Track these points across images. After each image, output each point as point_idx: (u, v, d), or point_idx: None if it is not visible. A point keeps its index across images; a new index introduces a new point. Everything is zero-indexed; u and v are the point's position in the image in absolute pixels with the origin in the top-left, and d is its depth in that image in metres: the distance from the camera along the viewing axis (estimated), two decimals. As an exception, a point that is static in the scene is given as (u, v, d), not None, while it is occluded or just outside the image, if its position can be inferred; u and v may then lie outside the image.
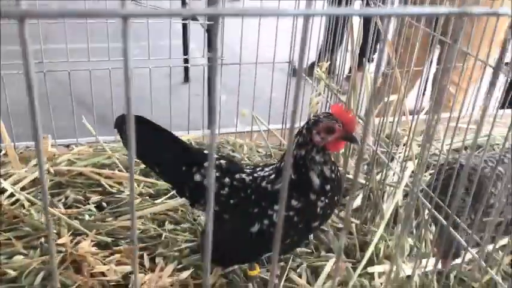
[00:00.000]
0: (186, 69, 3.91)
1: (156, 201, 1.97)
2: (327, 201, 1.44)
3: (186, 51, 3.64)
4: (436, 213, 1.49)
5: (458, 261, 1.57)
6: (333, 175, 1.43)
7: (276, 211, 1.42)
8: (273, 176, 1.48)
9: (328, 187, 1.42)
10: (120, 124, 1.57)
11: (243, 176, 1.52)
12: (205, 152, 1.59)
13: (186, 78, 4.00)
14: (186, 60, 3.19)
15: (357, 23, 1.91)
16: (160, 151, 1.55)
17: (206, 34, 2.76)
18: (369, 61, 1.90)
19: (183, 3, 3.88)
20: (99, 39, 2.25)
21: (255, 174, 1.52)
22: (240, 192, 1.48)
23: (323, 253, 1.81)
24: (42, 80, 2.20)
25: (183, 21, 3.09)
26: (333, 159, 1.47)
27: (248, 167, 1.60)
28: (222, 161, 1.55)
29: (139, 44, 2.38)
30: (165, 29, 2.39)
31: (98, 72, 2.32)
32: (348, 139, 1.41)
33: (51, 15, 0.42)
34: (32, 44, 0.45)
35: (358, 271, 1.62)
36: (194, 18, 3.38)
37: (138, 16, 0.47)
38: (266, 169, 1.53)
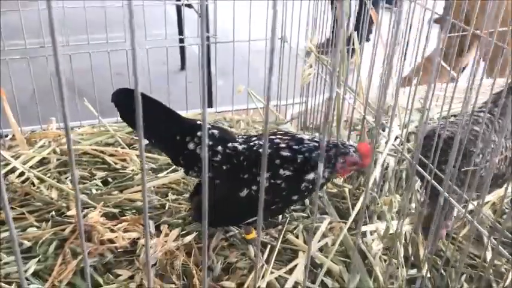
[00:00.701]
0: (183, 57, 3.88)
1: (158, 175, 2.08)
2: (309, 188, 1.58)
3: (181, 32, 3.65)
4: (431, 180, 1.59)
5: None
6: (322, 187, 1.64)
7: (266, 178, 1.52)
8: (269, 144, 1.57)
9: (313, 186, 1.58)
10: (117, 97, 1.63)
11: (235, 144, 1.61)
12: (198, 122, 1.65)
13: (183, 66, 3.98)
14: (181, 40, 3.23)
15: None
16: (156, 122, 1.61)
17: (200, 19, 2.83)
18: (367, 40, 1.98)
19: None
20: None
21: (251, 143, 1.61)
22: (233, 159, 1.57)
23: (318, 216, 1.91)
24: (45, 65, 2.29)
25: (176, 2, 3.14)
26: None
27: (240, 136, 1.68)
28: (215, 131, 1.63)
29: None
30: (159, 18, 2.47)
31: (95, 59, 2.41)
32: (360, 172, 1.56)
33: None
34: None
35: (347, 227, 1.73)
36: (189, 5, 3.44)
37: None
38: (261, 140, 1.62)
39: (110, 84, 2.36)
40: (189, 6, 3.42)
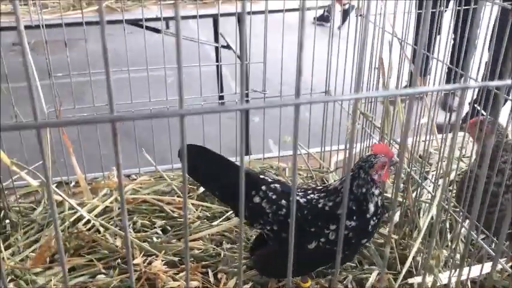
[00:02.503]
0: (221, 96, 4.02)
1: (212, 223, 2.21)
2: (376, 222, 1.69)
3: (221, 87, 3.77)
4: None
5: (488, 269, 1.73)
6: (382, 202, 1.71)
7: (331, 230, 1.66)
8: (328, 198, 1.70)
9: (379, 211, 1.69)
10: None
11: (297, 198, 1.72)
12: (261, 176, 1.78)
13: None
14: (221, 97, 3.40)
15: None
16: (220, 176, 1.74)
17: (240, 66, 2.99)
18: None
19: (216, 33, 3.98)
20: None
21: (308, 197, 1.73)
22: (297, 213, 1.69)
23: (366, 266, 2.00)
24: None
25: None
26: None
27: (298, 190, 1.80)
28: (277, 185, 1.74)
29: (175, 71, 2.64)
30: (195, 57, 2.62)
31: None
32: (393, 164, 1.71)
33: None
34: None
35: (399, 281, 1.81)
36: (228, 46, 3.62)
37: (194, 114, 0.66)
38: (316, 193, 1.75)
39: (167, 131, 2.55)
40: (228, 47, 3.61)
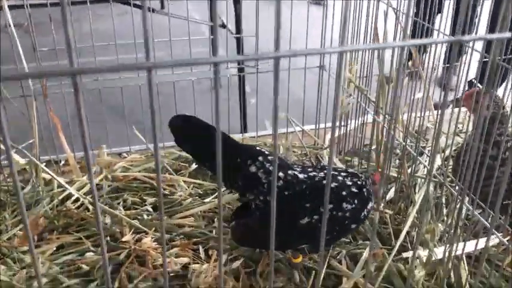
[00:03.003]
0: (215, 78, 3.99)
1: (204, 201, 2.17)
2: (367, 214, 1.72)
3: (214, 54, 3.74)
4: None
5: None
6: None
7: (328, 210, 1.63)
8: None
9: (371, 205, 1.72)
10: (175, 124, 1.72)
11: (296, 172, 1.69)
12: (258, 148, 1.75)
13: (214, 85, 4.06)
14: (215, 64, 3.35)
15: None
16: (210, 146, 1.69)
17: (236, 41, 2.93)
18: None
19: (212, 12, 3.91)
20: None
21: (310, 174, 1.70)
22: (295, 187, 1.65)
23: (360, 242, 1.96)
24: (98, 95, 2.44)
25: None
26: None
27: (295, 165, 1.76)
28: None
29: (169, 52, 2.60)
30: (192, 37, 2.56)
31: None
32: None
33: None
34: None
35: (392, 255, 1.78)
36: (223, 25, 3.54)
37: (162, 67, 0.61)
38: (317, 171, 1.72)
39: (158, 111, 2.47)
40: (223, 26, 3.53)
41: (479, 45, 1.85)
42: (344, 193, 1.63)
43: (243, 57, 0.80)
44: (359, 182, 1.69)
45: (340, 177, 1.68)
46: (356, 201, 1.66)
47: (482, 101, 1.73)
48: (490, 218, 1.76)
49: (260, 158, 1.69)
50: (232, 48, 2.99)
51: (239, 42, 2.99)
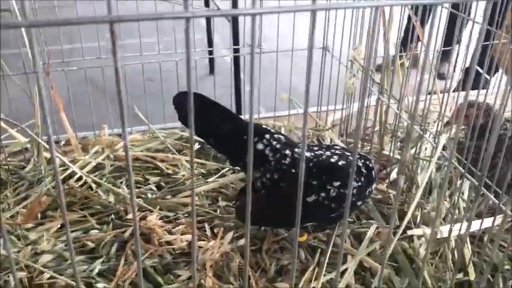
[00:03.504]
0: (211, 63, 3.90)
1: (208, 180, 2.17)
2: (371, 190, 1.75)
3: (210, 44, 3.68)
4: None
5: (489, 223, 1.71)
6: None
7: (334, 187, 1.63)
8: (337, 158, 1.68)
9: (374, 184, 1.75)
10: (179, 100, 1.70)
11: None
12: (264, 126, 1.75)
13: (211, 71, 3.95)
14: (210, 53, 3.32)
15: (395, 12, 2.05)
16: (216, 123, 1.68)
17: (231, 25, 2.89)
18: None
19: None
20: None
21: (316, 152, 1.70)
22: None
23: (364, 221, 1.97)
24: (100, 75, 2.42)
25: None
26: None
27: (300, 143, 1.76)
28: (281, 136, 1.72)
29: (164, 39, 2.58)
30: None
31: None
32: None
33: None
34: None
35: (398, 235, 1.79)
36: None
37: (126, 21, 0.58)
38: (324, 150, 1.72)
39: (143, 91, 2.49)
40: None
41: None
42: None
43: (230, 11, 0.79)
44: (370, 165, 1.70)
45: (351, 158, 1.68)
46: (363, 179, 1.67)
47: (472, 113, 1.76)
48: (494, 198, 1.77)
49: (267, 136, 1.69)
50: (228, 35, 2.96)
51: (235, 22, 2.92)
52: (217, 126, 1.69)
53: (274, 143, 1.68)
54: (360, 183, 1.67)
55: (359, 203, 1.73)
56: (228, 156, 1.85)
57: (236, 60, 2.81)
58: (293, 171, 1.65)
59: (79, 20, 0.55)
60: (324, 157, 1.68)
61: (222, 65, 3.65)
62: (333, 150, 1.71)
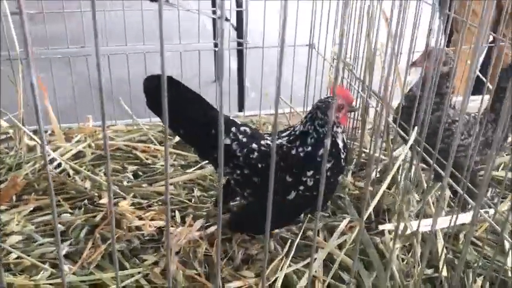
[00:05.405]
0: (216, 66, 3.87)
1: (186, 171, 2.17)
2: (345, 155, 1.64)
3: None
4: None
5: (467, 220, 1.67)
6: (346, 141, 1.66)
7: (309, 177, 1.56)
8: (297, 143, 1.59)
9: (345, 146, 1.65)
10: (150, 84, 1.57)
11: (268, 142, 1.62)
12: (232, 118, 1.67)
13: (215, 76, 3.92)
14: (215, 45, 3.33)
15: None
16: (185, 112, 1.57)
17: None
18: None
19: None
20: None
21: (277, 142, 1.62)
22: (269, 159, 1.58)
23: (339, 215, 1.96)
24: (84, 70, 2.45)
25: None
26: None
27: (266, 134, 1.71)
28: (246, 128, 1.64)
29: (170, 43, 2.60)
30: (193, 30, 2.57)
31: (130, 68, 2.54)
32: (352, 110, 1.68)
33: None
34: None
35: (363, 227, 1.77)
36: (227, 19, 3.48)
37: None
38: (283, 137, 1.63)
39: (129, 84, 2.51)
40: (226, 19, 3.51)
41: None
42: (319, 159, 1.56)
43: None
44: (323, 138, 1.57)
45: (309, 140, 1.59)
46: (331, 158, 1.59)
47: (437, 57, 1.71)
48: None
49: (233, 130, 1.61)
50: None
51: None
52: (186, 118, 1.58)
53: (241, 136, 1.61)
54: (332, 162, 1.58)
55: (339, 178, 1.67)
56: (196, 149, 1.78)
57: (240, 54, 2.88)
58: (260, 166, 1.58)
59: None
60: (285, 148, 1.60)
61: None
62: (286, 138, 1.63)
